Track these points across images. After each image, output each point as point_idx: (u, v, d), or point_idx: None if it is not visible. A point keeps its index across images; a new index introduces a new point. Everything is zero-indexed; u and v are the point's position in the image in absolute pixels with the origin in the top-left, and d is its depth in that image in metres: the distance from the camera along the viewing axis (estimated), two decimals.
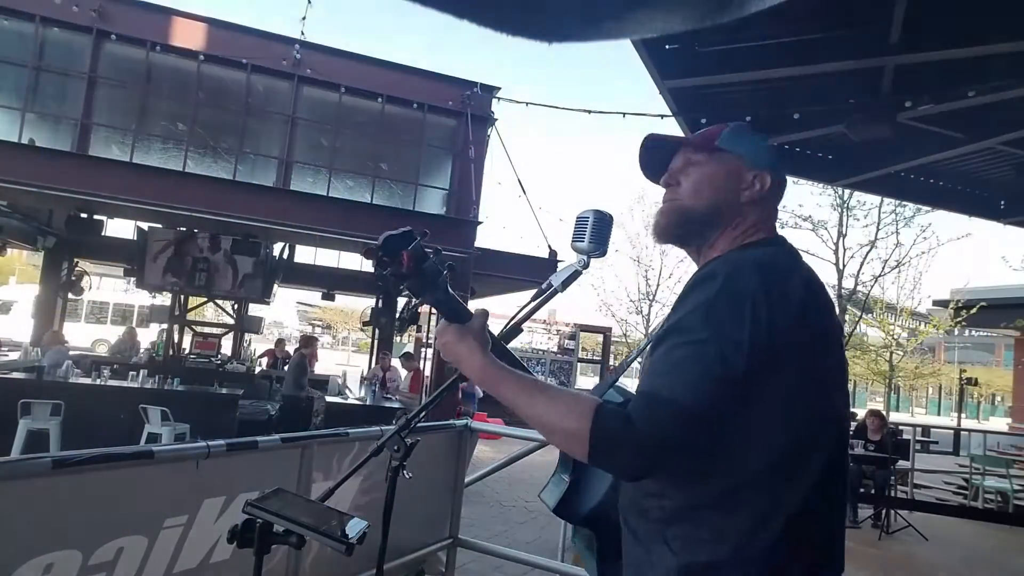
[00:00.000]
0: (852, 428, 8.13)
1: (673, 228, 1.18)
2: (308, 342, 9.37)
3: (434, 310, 1.14)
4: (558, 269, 1.32)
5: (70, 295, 12.92)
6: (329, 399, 8.73)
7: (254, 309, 14.21)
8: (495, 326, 1.20)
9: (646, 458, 0.93)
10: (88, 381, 7.99)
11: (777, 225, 1.20)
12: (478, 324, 1.11)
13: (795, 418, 0.97)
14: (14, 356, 10.77)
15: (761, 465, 0.97)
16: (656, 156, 1.22)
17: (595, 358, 20.01)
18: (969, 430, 14.27)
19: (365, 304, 15.45)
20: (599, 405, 0.95)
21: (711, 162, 1.16)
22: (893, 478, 7.28)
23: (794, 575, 0.97)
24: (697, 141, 1.19)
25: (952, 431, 16.08)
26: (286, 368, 12.09)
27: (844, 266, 14.05)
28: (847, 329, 14.39)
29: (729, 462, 0.97)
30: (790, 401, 0.97)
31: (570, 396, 1.00)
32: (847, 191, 12.85)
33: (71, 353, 11.13)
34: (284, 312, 45.51)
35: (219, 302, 12.71)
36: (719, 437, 0.96)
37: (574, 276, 1.30)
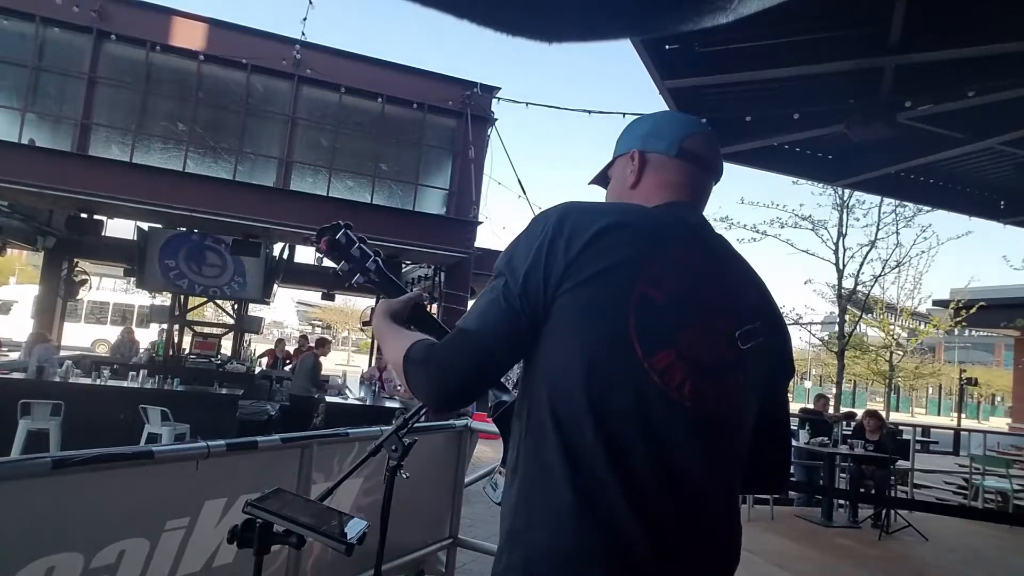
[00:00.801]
0: (851, 429, 8.14)
1: None
2: (321, 343, 9.61)
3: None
4: None
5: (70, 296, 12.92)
6: (329, 399, 8.74)
7: (254, 309, 14.23)
8: None
9: (437, 384, 0.97)
10: (88, 381, 7.99)
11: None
12: (402, 298, 1.25)
13: (578, 369, 0.92)
14: (15, 356, 10.77)
15: (557, 416, 0.92)
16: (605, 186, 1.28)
17: None
18: (969, 430, 14.29)
19: (365, 304, 15.45)
20: (417, 340, 1.01)
21: (613, 173, 1.22)
22: (893, 478, 7.28)
23: (587, 557, 0.88)
24: (608, 164, 1.24)
25: (952, 431, 16.10)
26: (287, 368, 12.12)
27: (844, 266, 14.04)
28: (847, 329, 14.39)
29: (530, 414, 0.96)
30: (570, 348, 0.93)
31: (407, 335, 1.07)
32: (847, 191, 12.84)
33: (71, 353, 11.14)
34: (284, 312, 45.60)
35: (219, 302, 12.71)
36: (528, 381, 0.97)
37: None
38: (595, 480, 0.89)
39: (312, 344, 11.21)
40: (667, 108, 4.69)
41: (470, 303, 12.28)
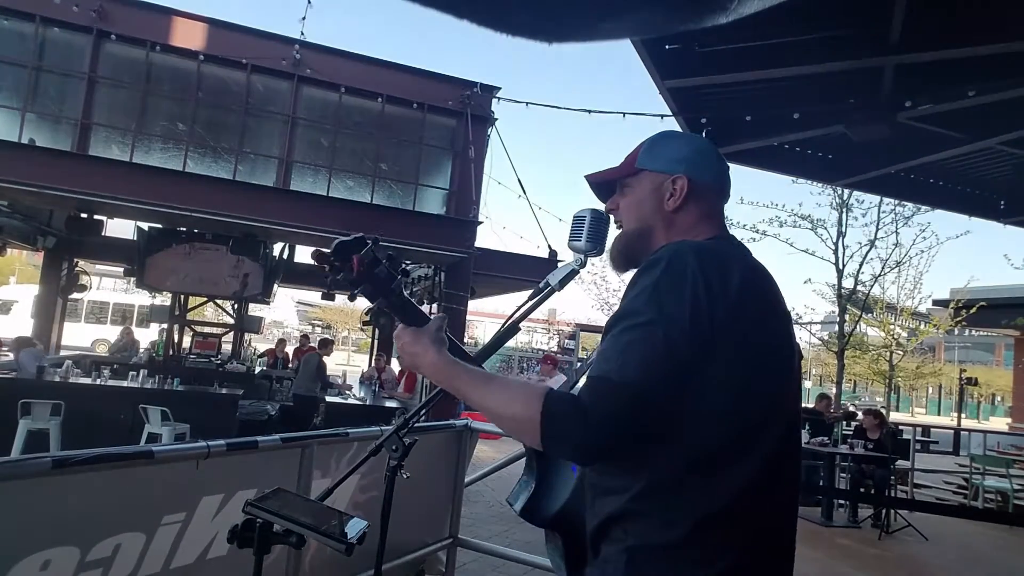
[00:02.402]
0: (852, 429, 8.14)
1: (618, 255, 1.23)
2: (325, 343, 9.67)
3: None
4: (557, 268, 1.33)
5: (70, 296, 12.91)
6: (329, 399, 8.75)
7: (254, 309, 14.21)
8: (493, 326, 1.21)
9: (596, 440, 0.94)
10: (88, 381, 7.98)
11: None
12: (434, 326, 1.15)
13: (736, 402, 0.98)
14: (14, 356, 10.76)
15: (705, 448, 0.97)
16: (604, 189, 1.28)
17: None
18: (969, 430, 14.29)
19: (365, 304, 15.43)
20: (549, 390, 0.98)
21: (636, 183, 1.21)
22: (893, 478, 7.28)
23: (736, 558, 0.96)
24: (622, 168, 1.23)
25: (952, 431, 16.09)
26: (288, 368, 12.13)
27: (844, 266, 14.01)
28: (847, 329, 14.38)
29: (676, 446, 0.98)
30: (731, 384, 0.98)
31: (520, 384, 1.04)
32: (846, 190, 12.82)
33: (71, 353, 11.13)
34: (284, 312, 45.56)
35: (219, 302, 12.71)
36: (668, 419, 0.97)
37: (571, 275, 1.31)
38: (752, 506, 0.99)
39: (314, 344, 11.23)
40: (667, 108, 4.69)
41: (470, 303, 12.27)
